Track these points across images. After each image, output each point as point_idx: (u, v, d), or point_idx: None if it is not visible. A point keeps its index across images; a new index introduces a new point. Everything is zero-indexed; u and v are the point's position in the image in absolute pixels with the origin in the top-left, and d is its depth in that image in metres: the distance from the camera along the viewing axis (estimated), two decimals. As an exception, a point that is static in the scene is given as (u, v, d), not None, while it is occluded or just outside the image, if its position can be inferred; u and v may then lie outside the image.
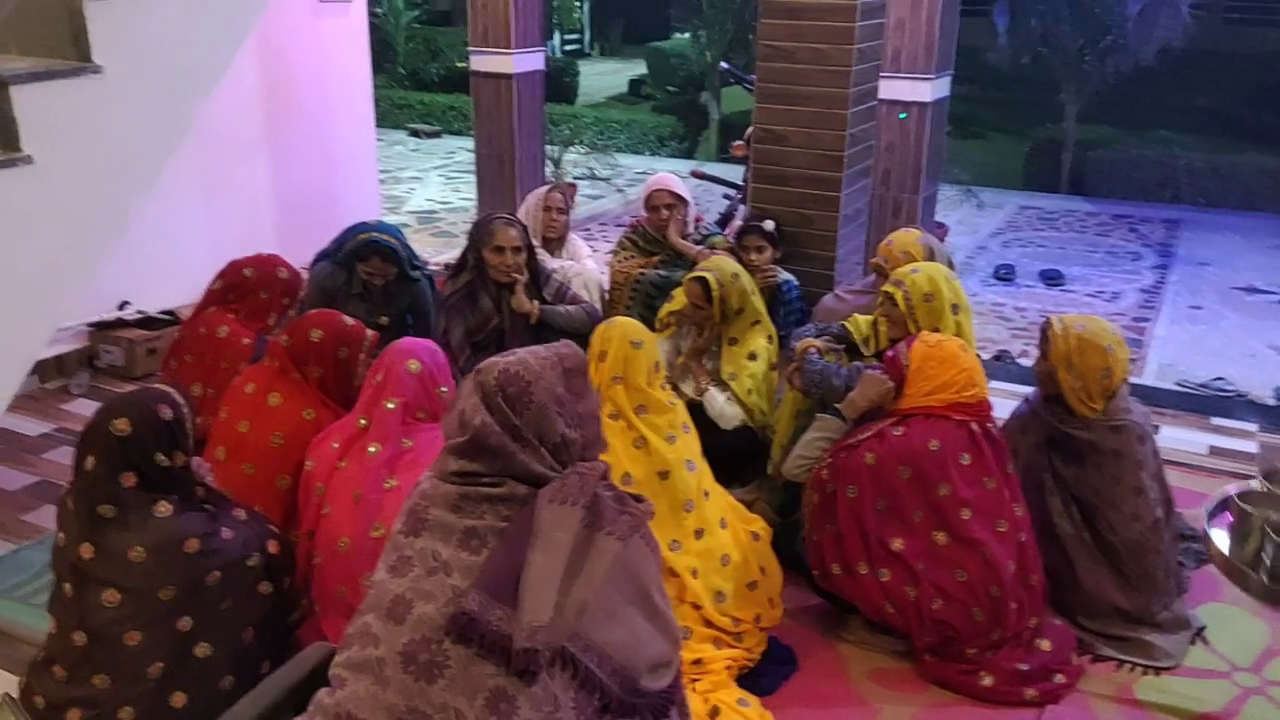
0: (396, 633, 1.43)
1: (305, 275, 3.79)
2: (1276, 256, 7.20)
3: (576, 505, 1.49)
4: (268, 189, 5.37)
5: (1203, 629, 2.82)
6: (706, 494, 2.68)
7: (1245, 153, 9.89)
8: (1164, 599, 2.78)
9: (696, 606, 2.57)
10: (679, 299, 3.66)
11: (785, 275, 4.06)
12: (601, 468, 1.61)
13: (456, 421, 1.57)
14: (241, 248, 3.67)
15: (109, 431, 2.13)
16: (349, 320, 2.86)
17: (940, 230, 6.26)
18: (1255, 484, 3.19)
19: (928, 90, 5.36)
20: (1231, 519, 2.21)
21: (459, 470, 1.53)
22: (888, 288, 3.10)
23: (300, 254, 4.51)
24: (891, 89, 5.14)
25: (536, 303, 3.69)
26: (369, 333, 2.87)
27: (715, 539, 2.65)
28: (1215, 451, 3.94)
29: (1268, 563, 1.87)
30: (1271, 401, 4.55)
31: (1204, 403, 4.42)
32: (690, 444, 2.70)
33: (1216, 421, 4.18)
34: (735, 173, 6.68)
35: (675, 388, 3.61)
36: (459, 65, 12.80)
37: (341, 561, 2.37)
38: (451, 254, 6.16)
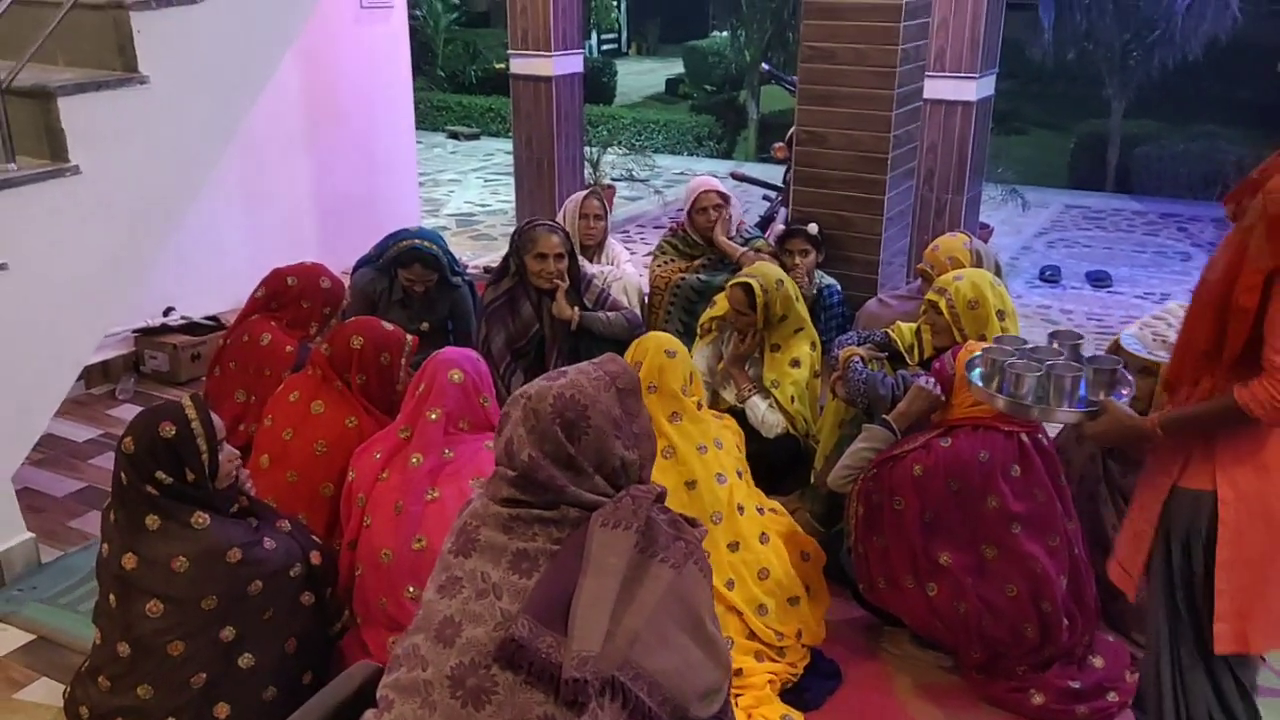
0: (445, 655, 1.41)
1: (347, 282, 3.80)
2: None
3: (630, 530, 1.46)
4: (309, 194, 5.41)
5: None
6: (741, 508, 2.64)
7: (1286, 147, 9.66)
8: None
9: (738, 613, 2.55)
10: (721, 304, 3.63)
11: (828, 280, 4.02)
12: (656, 490, 1.57)
13: (504, 451, 1.54)
14: (283, 253, 3.70)
15: (121, 448, 2.18)
16: (388, 326, 2.86)
17: (985, 231, 6.17)
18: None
19: (972, 89, 5.28)
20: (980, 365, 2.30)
21: (510, 498, 1.51)
22: (931, 295, 3.04)
23: (341, 259, 4.54)
24: (936, 88, 5.08)
25: (577, 309, 3.67)
26: (409, 337, 2.87)
27: (752, 553, 2.61)
28: None
29: (1008, 390, 2.02)
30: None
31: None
32: (723, 459, 2.66)
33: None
34: (774, 174, 6.62)
35: (716, 393, 3.60)
36: (497, 67, 12.83)
37: (383, 573, 2.36)
38: (490, 257, 6.17)
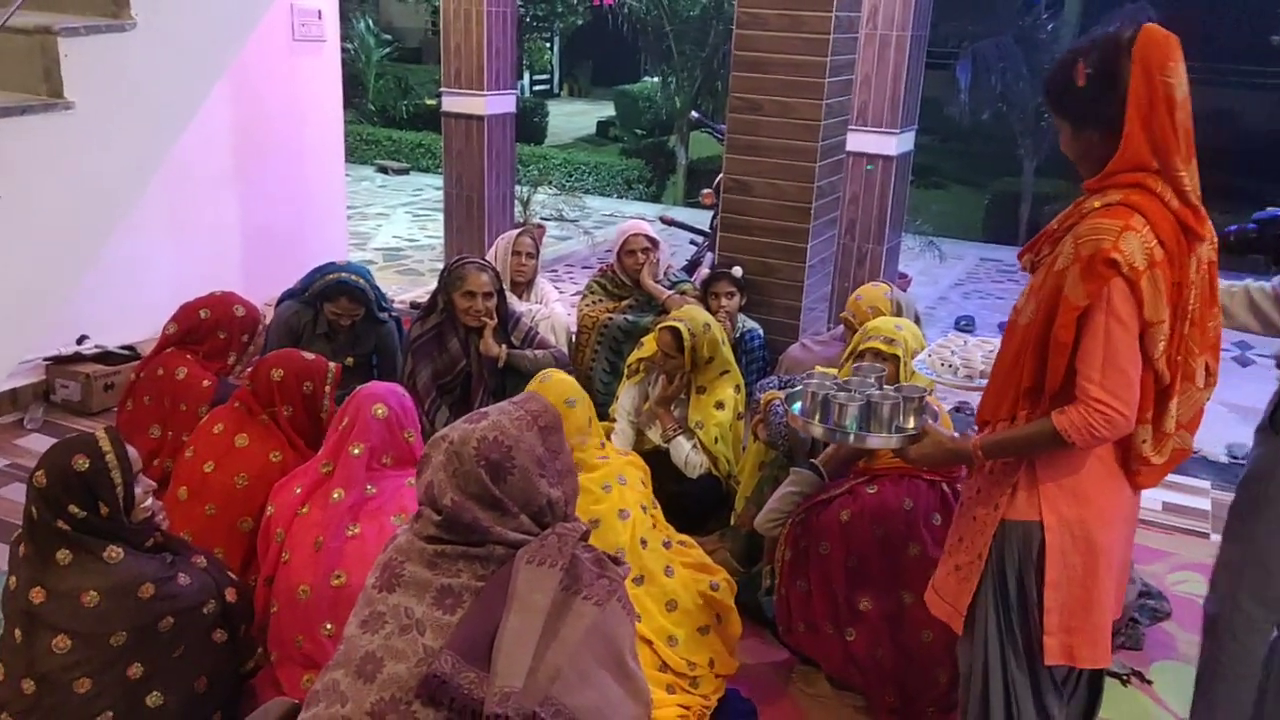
0: (365, 691, 1.41)
1: (266, 311, 3.75)
2: (1227, 314, 7.38)
3: (555, 567, 1.48)
4: (234, 225, 5.34)
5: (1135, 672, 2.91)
6: (645, 542, 2.65)
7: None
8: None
9: (648, 643, 2.56)
10: (649, 346, 3.68)
11: (750, 324, 4.10)
12: (581, 528, 1.59)
13: (426, 495, 1.54)
14: (206, 283, 3.63)
15: (32, 482, 2.12)
16: (309, 356, 2.85)
17: (903, 281, 6.35)
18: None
19: (893, 144, 5.47)
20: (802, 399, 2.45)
21: (435, 537, 1.52)
22: (878, 345, 3.05)
23: (266, 291, 4.48)
24: (858, 142, 5.24)
25: (504, 346, 3.68)
26: (331, 365, 2.85)
27: (658, 586, 2.63)
28: (1169, 508, 4.00)
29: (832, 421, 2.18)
30: (1224, 459, 4.64)
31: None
32: (627, 495, 2.68)
33: (1172, 479, 4.24)
34: (702, 219, 6.74)
35: (641, 433, 3.64)
36: (428, 103, 12.84)
37: (300, 610, 2.33)
38: (417, 292, 6.15)
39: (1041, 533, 1.84)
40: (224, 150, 5.21)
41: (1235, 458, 4.65)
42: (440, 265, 3.98)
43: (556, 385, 2.67)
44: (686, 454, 3.44)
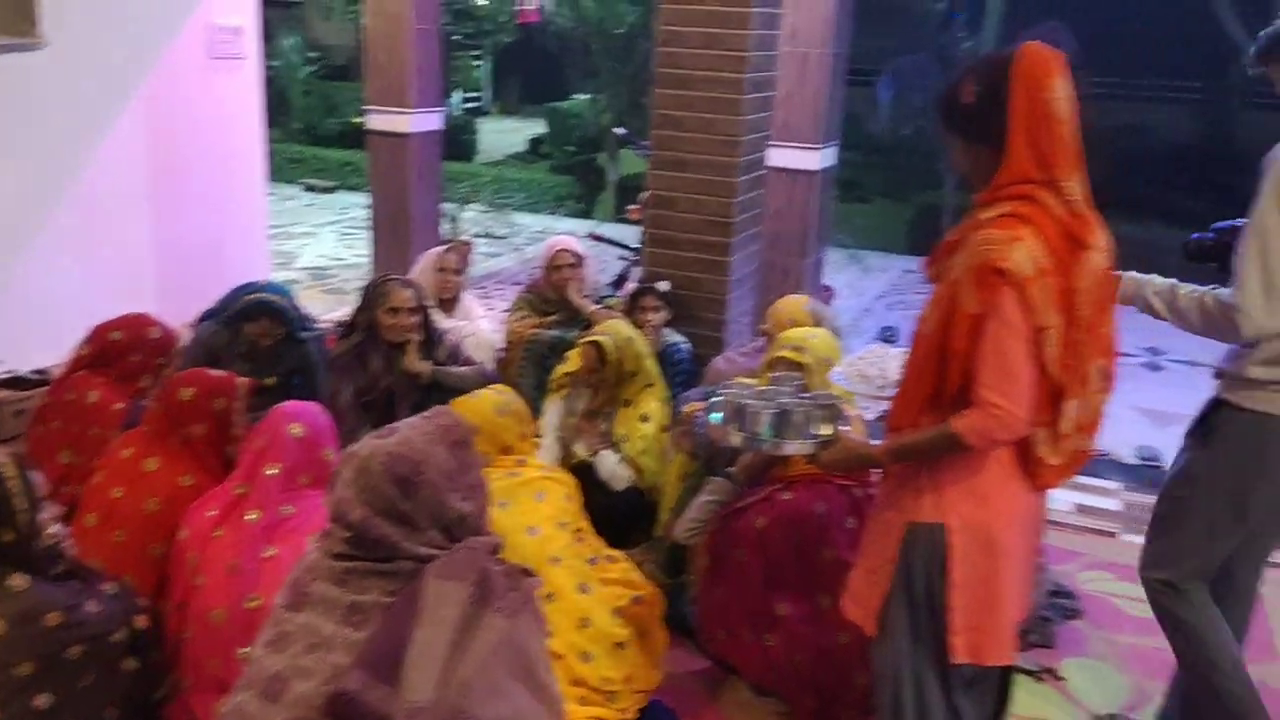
0: (272, 712, 1.40)
1: (186, 332, 3.69)
2: (1137, 321, 7.63)
3: (465, 581, 1.48)
4: (150, 245, 5.22)
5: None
6: (557, 560, 2.65)
7: (1108, 221, 10.49)
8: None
9: (559, 657, 2.56)
10: (573, 360, 3.70)
11: (674, 337, 4.14)
12: (492, 542, 1.60)
13: (335, 511, 1.54)
14: (121, 305, 3.55)
15: None
16: (216, 372, 2.80)
17: (827, 293, 6.46)
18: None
19: (815, 159, 5.57)
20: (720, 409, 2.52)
21: (344, 553, 1.51)
22: (788, 354, 3.14)
23: (184, 312, 4.40)
24: (780, 157, 5.32)
25: (429, 363, 3.67)
26: (240, 380, 2.81)
27: (569, 602, 2.62)
28: (1082, 509, 4.13)
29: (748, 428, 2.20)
30: (1133, 460, 4.79)
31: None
32: (542, 510, 2.68)
33: (1082, 481, 4.38)
34: (632, 235, 6.78)
35: (568, 447, 3.65)
36: (355, 121, 12.72)
37: (214, 634, 2.29)
38: (343, 311, 6.07)
39: (945, 535, 1.90)
40: (139, 170, 5.11)
41: (1145, 460, 4.82)
42: (365, 283, 3.95)
43: (488, 399, 2.68)
44: (612, 468, 3.46)
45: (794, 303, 3.73)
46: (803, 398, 2.23)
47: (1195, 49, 12.69)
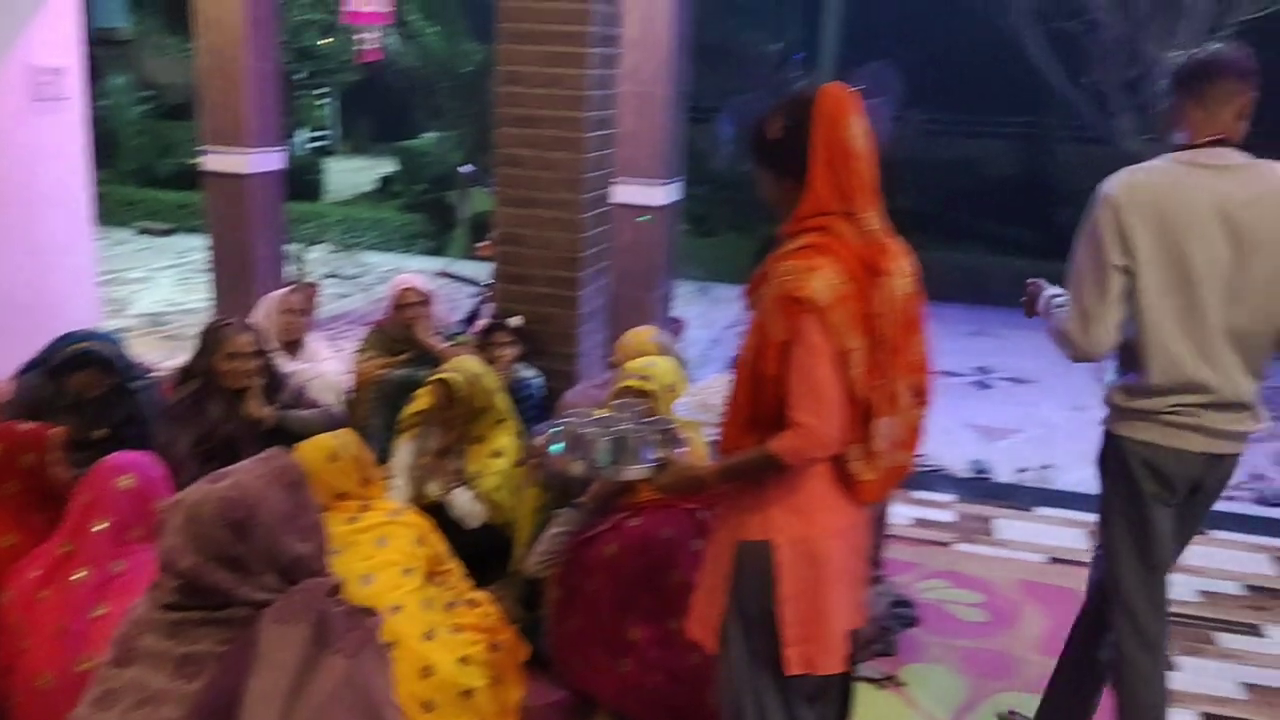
0: (98, 772, 1.35)
1: (5, 387, 3.49)
2: (968, 343, 8.09)
3: (302, 624, 1.47)
4: (-34, 295, 4.93)
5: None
6: (398, 607, 2.61)
7: (940, 250, 11.11)
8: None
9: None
10: (423, 399, 3.67)
11: (525, 373, 4.17)
12: (331, 582, 1.59)
13: (165, 560, 1.50)
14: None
15: None
16: (24, 425, 2.68)
17: (677, 325, 6.60)
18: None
19: (660, 194, 5.72)
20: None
21: (174, 603, 1.47)
22: (634, 383, 3.22)
23: (5, 362, 4.16)
24: (626, 193, 5.44)
25: (271, 409, 3.58)
26: (53, 432, 2.69)
27: (412, 650, 2.58)
28: (919, 522, 4.35)
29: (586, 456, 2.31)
30: (966, 474, 5.08)
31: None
32: (379, 556, 2.64)
33: (918, 495, 4.62)
34: (484, 272, 6.77)
35: (420, 488, 3.61)
36: (192, 162, 12.30)
37: (43, 700, 2.17)
38: (182, 358, 5.85)
39: (772, 551, 1.98)
40: (-49, 215, 4.82)
41: (977, 473, 5.11)
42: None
43: (317, 445, 2.64)
44: (465, 506, 3.44)
45: (642, 334, 3.83)
46: (640, 424, 2.30)
47: (1018, 87, 13.58)
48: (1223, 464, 2.37)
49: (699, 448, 2.73)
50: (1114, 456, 2.45)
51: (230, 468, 1.58)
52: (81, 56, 5.49)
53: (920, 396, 2.09)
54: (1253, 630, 3.52)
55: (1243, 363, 2.28)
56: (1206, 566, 3.86)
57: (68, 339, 3.63)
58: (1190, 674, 3.23)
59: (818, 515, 2.00)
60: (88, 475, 2.43)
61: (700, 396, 3.07)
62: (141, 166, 12.86)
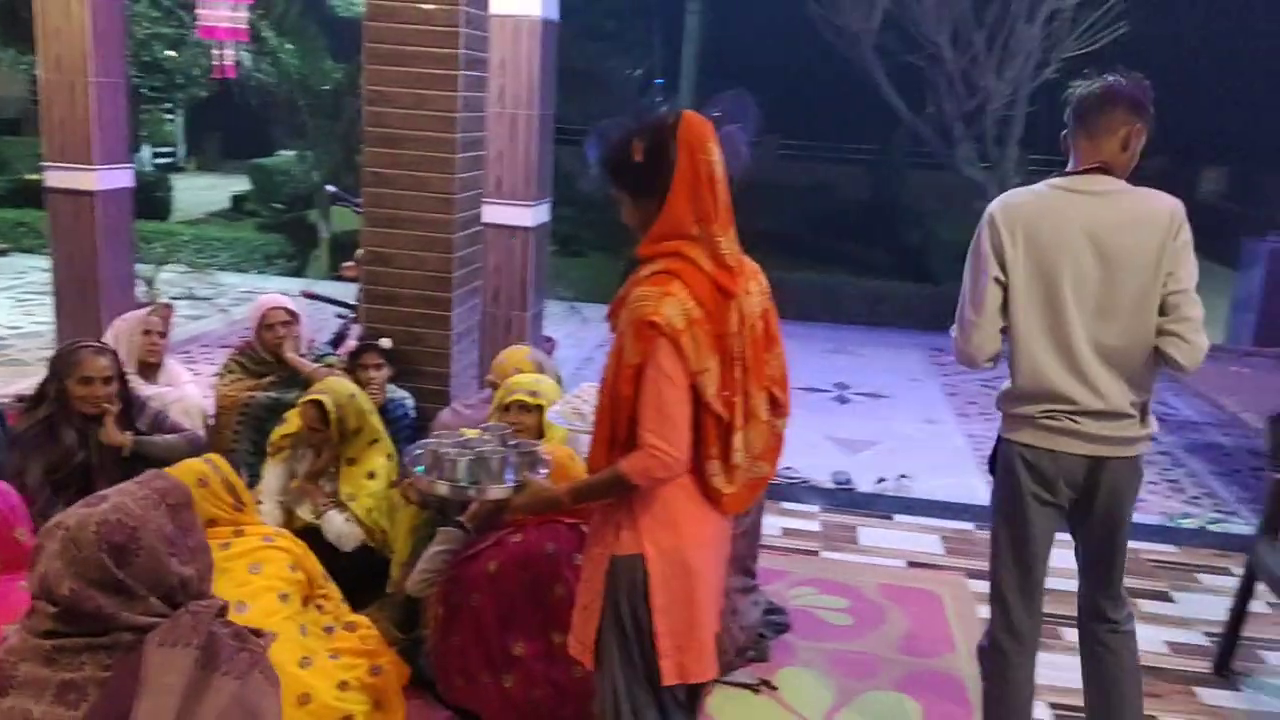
0: (-27, 809, 1.30)
1: None
2: (827, 360, 8.41)
3: (189, 646, 1.44)
4: None
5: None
6: (273, 634, 2.56)
7: (798, 270, 11.52)
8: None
9: None
10: (293, 421, 3.60)
11: (398, 393, 4.13)
12: (218, 605, 1.57)
13: (40, 586, 1.45)
14: None
15: None
16: None
17: (549, 344, 6.64)
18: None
19: (529, 215, 5.75)
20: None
21: (53, 630, 1.43)
22: (522, 396, 3.23)
23: None
24: (496, 214, 5.46)
25: (129, 434, 3.44)
26: None
27: (289, 676, 2.49)
28: (788, 532, 4.51)
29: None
30: (830, 485, 5.29)
31: (775, 490, 5.03)
32: (252, 582, 2.60)
33: (786, 505, 4.78)
34: (347, 292, 6.65)
35: (291, 512, 3.53)
36: (31, 178, 11.62)
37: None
38: (24, 384, 5.53)
39: (644, 564, 2.03)
40: None
41: (840, 484, 5.33)
42: (51, 353, 3.65)
43: (185, 470, 2.56)
44: (339, 528, 3.39)
45: (517, 353, 3.86)
46: (504, 445, 2.34)
47: (867, 116, 14.24)
48: (1109, 466, 2.48)
49: (569, 457, 2.78)
50: (1001, 456, 2.60)
51: (108, 490, 1.54)
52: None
53: (779, 408, 2.16)
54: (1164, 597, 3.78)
55: (1118, 376, 2.43)
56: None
57: (-98, 364, 3.41)
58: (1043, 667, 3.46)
59: (686, 527, 2.05)
60: (-65, 506, 2.29)
61: (572, 404, 3.12)
62: (-28, 183, 12.09)
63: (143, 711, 1.37)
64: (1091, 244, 2.37)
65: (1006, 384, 2.56)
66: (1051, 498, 2.53)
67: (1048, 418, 2.46)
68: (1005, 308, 2.45)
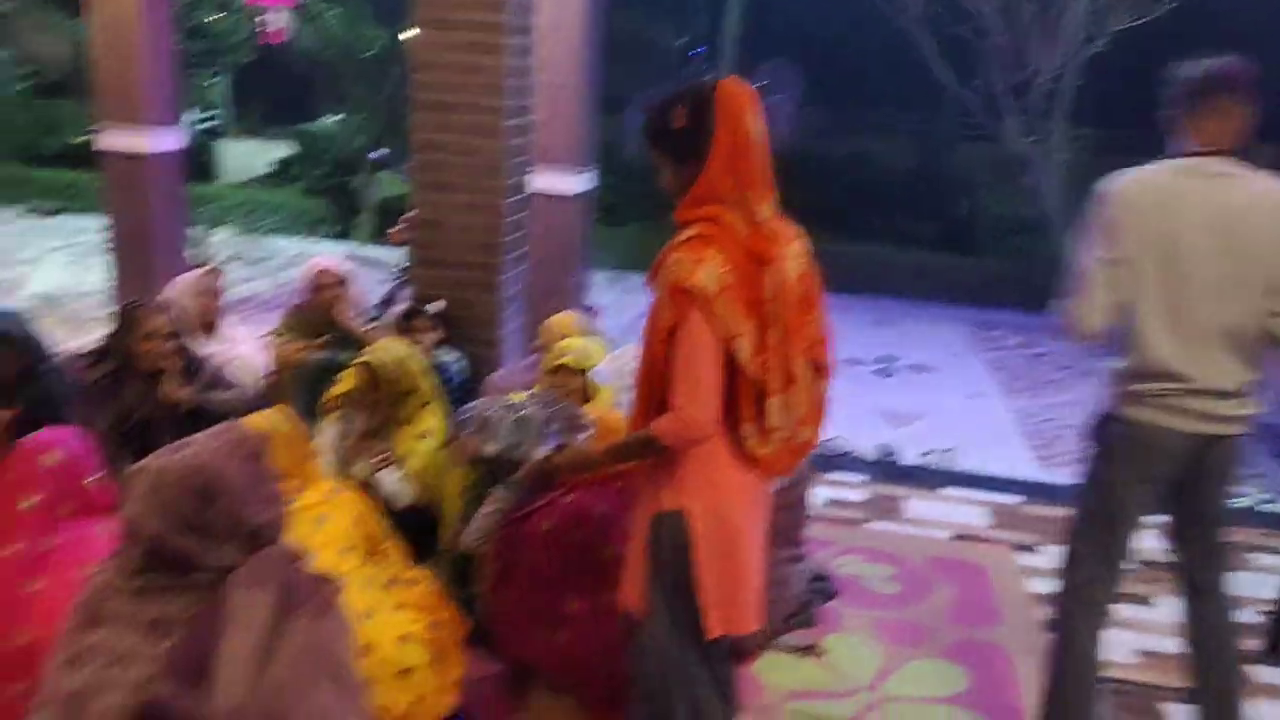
0: (72, 732, 1.35)
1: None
2: (872, 334, 8.37)
3: (269, 588, 1.49)
4: None
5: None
6: (343, 581, 2.61)
7: (841, 243, 11.43)
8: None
9: None
10: (346, 381, 3.65)
11: (446, 356, 4.17)
12: (292, 550, 1.61)
13: (127, 529, 1.50)
14: None
15: None
16: None
17: (592, 313, 6.66)
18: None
19: (574, 183, 5.76)
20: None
21: (140, 569, 1.48)
22: (568, 360, 3.27)
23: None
24: (542, 182, 5.48)
25: (188, 390, 3.51)
26: None
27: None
28: (834, 503, 4.51)
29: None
30: (874, 457, 5.28)
31: (820, 460, 5.03)
32: (317, 536, 2.64)
33: (831, 476, 4.79)
34: (394, 257, 6.71)
35: (345, 469, 3.59)
36: (78, 140, 11.80)
37: (-23, 678, 2.11)
38: (82, 340, 5.65)
39: (686, 520, 2.05)
40: None
41: (884, 456, 5.32)
42: (108, 311, 3.73)
43: (259, 421, 2.62)
44: (392, 487, 3.44)
45: (565, 318, 3.89)
46: (546, 409, 2.37)
47: (912, 87, 14.01)
48: (1218, 445, 2.50)
49: (619, 421, 2.80)
50: (1107, 431, 2.60)
51: (189, 438, 1.58)
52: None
53: (820, 370, 2.17)
54: (1143, 601, 3.76)
55: (1233, 356, 2.43)
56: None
57: (-29, 318, 3.49)
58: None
59: (726, 485, 2.07)
60: (12, 453, 2.36)
61: (618, 363, 3.16)
62: (25, 145, 12.30)
63: (229, 647, 1.41)
64: (1215, 225, 2.37)
65: (1120, 361, 2.54)
66: (1155, 475, 2.54)
67: (1160, 395, 2.46)
68: (1116, 285, 2.43)
